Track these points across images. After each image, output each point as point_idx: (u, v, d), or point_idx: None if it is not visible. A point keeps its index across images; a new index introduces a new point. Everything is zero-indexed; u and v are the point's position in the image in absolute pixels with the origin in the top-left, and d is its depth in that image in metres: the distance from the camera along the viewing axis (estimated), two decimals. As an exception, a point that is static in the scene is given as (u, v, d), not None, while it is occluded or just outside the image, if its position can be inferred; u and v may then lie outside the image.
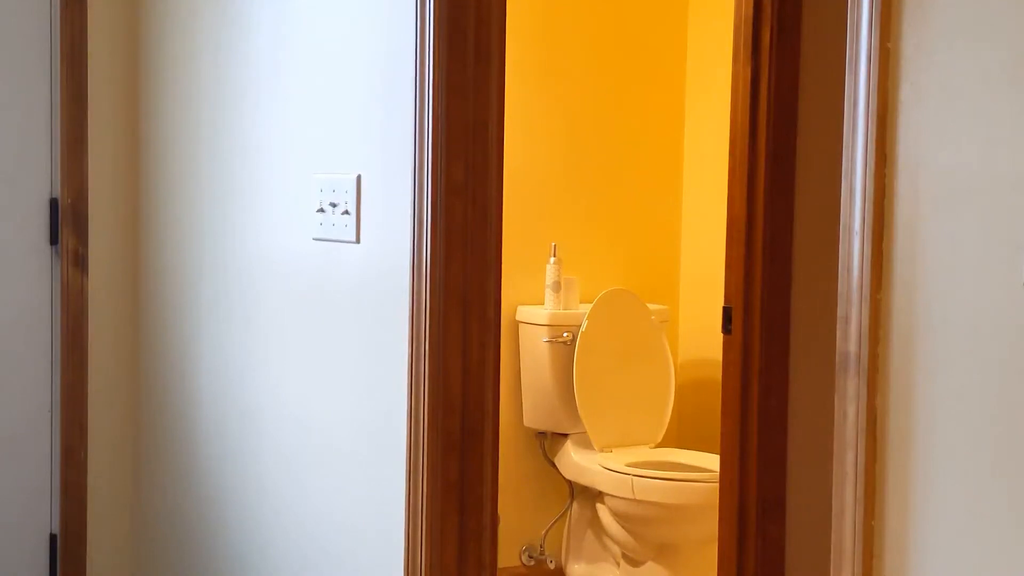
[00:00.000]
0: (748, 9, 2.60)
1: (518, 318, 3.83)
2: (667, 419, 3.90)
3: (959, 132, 1.48)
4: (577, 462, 3.77)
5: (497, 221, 2.21)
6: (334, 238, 2.40)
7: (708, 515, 3.13)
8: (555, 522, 3.94)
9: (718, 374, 2.78)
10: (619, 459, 3.65)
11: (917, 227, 1.53)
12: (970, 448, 1.48)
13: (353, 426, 2.39)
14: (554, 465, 3.88)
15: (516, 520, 3.87)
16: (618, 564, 3.76)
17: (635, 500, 3.52)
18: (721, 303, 2.71)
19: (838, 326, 1.62)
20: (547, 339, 3.74)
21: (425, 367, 2.16)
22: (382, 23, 2.28)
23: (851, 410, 1.60)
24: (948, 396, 1.50)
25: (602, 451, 3.75)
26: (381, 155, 2.28)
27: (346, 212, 2.35)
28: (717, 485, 2.76)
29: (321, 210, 2.43)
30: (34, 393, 3.04)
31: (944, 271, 1.50)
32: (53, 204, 3.02)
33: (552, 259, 3.78)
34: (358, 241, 2.34)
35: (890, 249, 1.56)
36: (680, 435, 4.16)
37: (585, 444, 3.79)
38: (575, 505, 3.90)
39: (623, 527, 3.64)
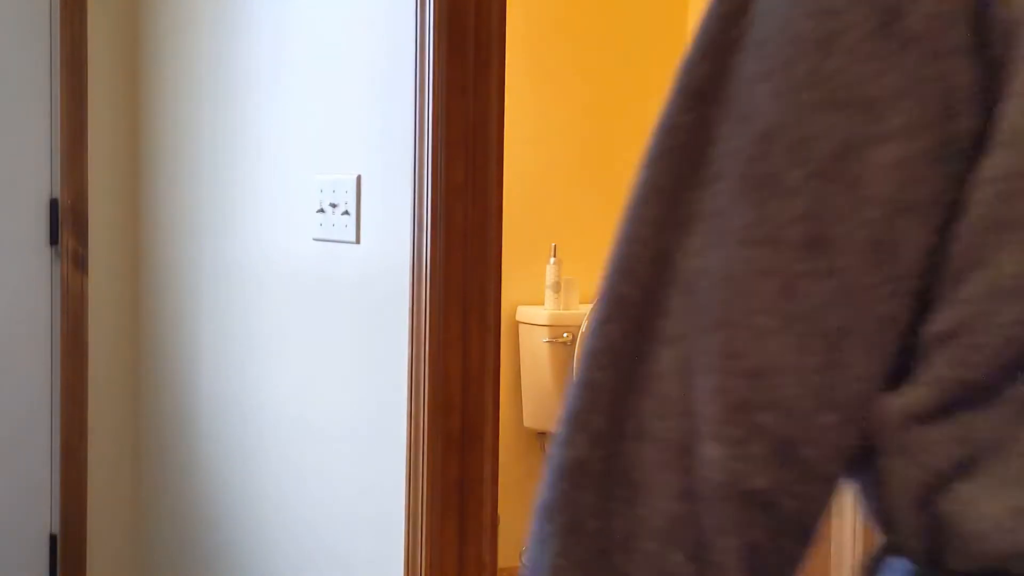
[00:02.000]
0: (748, 9, 2.60)
1: (518, 318, 3.83)
2: (667, 419, 3.89)
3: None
4: (577, 462, 3.77)
5: (497, 221, 2.21)
6: (334, 238, 2.40)
7: (708, 515, 3.13)
8: (555, 522, 3.94)
9: (718, 374, 2.78)
10: (619, 459, 3.65)
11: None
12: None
13: (353, 426, 2.39)
14: (554, 465, 3.88)
15: (516, 520, 3.87)
16: (618, 564, 3.75)
17: (635, 500, 3.52)
18: (721, 303, 2.71)
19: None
20: (547, 339, 3.74)
21: (425, 367, 2.16)
22: (382, 23, 2.28)
23: (851, 410, 1.60)
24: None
25: (602, 451, 3.75)
26: (381, 155, 2.28)
27: (346, 212, 2.35)
28: (717, 485, 2.76)
29: (321, 210, 2.43)
30: (34, 393, 3.04)
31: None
32: (53, 204, 3.02)
33: (552, 259, 3.78)
34: (358, 241, 2.34)
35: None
36: (680, 435, 4.15)
37: (585, 444, 3.79)
38: (575, 505, 3.90)
39: (623, 527, 3.64)
